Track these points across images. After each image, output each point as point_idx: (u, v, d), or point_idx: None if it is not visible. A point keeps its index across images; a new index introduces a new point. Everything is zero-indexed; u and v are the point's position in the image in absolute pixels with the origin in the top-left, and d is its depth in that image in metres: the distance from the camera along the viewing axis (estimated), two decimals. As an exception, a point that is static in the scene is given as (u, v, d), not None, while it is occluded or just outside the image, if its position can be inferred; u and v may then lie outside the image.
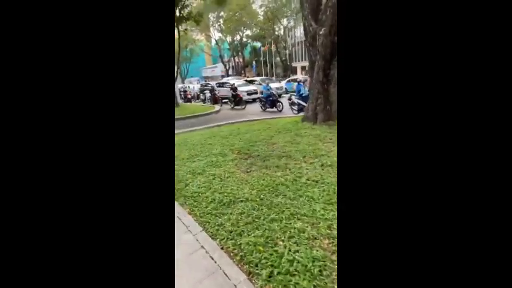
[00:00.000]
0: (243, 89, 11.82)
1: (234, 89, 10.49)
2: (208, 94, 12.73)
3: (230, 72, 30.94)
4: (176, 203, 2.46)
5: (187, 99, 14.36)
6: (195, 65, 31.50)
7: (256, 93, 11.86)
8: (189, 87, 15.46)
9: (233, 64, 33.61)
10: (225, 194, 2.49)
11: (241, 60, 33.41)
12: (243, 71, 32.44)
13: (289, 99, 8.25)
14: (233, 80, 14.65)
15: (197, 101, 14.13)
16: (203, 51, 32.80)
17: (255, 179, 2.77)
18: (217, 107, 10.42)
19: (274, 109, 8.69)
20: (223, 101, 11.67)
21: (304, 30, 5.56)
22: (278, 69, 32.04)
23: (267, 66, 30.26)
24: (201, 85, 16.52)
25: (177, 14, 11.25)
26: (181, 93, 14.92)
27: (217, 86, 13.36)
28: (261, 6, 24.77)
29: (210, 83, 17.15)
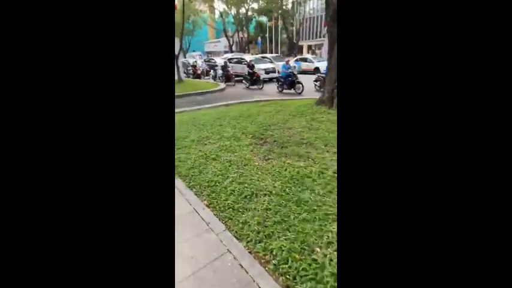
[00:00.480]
0: (261, 67, 10.51)
1: (250, 66, 9.47)
2: (220, 71, 11.50)
3: (234, 48, 29.59)
4: (191, 192, 2.22)
5: (196, 75, 13.31)
6: (197, 38, 29.99)
7: (274, 71, 10.74)
8: (196, 62, 14.28)
9: (237, 39, 32.07)
10: (245, 185, 2.24)
11: (245, 35, 31.83)
12: (247, 47, 31.06)
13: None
14: (247, 56, 13.65)
15: (206, 77, 12.99)
16: (206, 23, 31.10)
17: (275, 168, 2.52)
18: (222, 85, 9.87)
19: (292, 90, 7.92)
20: (237, 79, 10.61)
21: (326, 2, 5.01)
22: (283, 47, 30.69)
23: (272, 43, 28.90)
24: (204, 60, 15.58)
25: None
26: (190, 68, 13.85)
27: (230, 62, 12.10)
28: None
29: (213, 58, 16.21)
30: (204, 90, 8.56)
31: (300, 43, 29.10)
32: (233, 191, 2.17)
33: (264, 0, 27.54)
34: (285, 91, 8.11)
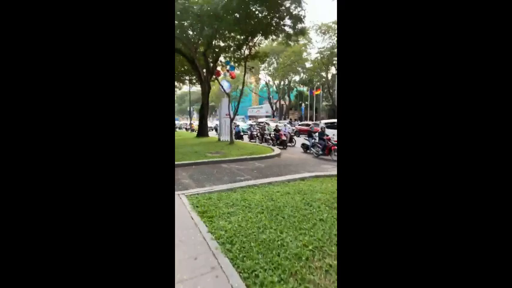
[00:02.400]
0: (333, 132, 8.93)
1: (322, 132, 7.94)
2: (273, 134, 10.69)
3: (275, 113, 30.60)
4: None
5: (251, 137, 13.04)
6: (242, 104, 32.03)
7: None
8: (252, 125, 14.22)
9: (278, 106, 33.51)
10: None
11: (286, 102, 33.24)
12: (287, 113, 31.95)
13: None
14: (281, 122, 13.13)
15: (252, 140, 12.57)
16: (252, 91, 33.57)
17: None
18: (276, 149, 8.88)
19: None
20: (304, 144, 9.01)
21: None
22: (322, 113, 30.85)
23: (312, 109, 29.34)
24: (256, 123, 15.53)
25: (247, 51, 10.86)
26: (251, 129, 13.52)
27: (298, 125, 11.39)
28: (317, 52, 24.73)
29: (264, 121, 16.12)
30: (260, 155, 7.53)
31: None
32: None
33: (306, 73, 29.34)
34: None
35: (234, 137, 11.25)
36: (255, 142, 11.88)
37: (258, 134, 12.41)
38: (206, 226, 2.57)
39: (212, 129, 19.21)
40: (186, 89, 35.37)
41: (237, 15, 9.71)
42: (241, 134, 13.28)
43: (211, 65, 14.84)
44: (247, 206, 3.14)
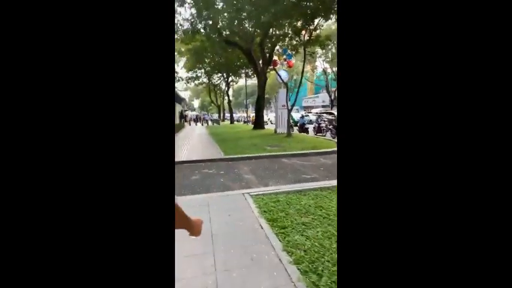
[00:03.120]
0: None
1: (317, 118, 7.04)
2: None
3: (334, 102, 28.34)
4: None
5: (319, 130, 10.98)
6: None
7: None
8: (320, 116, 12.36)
9: (336, 95, 30.92)
10: None
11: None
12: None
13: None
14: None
15: (318, 134, 10.83)
16: (308, 80, 31.88)
17: None
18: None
19: None
20: None
21: None
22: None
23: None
24: (317, 113, 14.20)
25: (306, 37, 9.93)
26: (318, 121, 11.58)
27: None
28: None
29: (332, 112, 14.71)
30: (325, 150, 6.71)
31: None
32: None
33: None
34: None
35: (298, 129, 10.48)
36: (324, 135, 10.28)
37: (327, 126, 10.46)
38: (280, 241, 2.10)
39: (267, 123, 18.57)
40: (241, 83, 36.13)
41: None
42: (306, 126, 11.96)
43: (268, 55, 14.38)
44: (326, 216, 2.54)
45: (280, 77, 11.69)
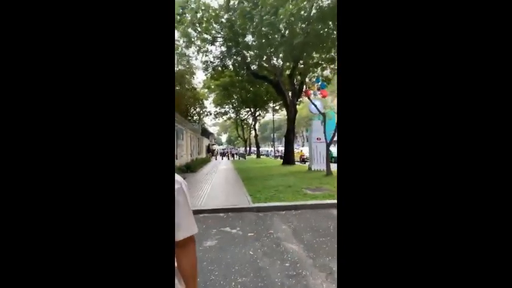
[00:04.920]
0: None
1: None
2: None
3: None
4: None
5: None
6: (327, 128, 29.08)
7: None
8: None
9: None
10: None
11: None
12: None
13: None
14: None
15: None
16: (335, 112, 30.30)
17: None
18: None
19: None
20: None
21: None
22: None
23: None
24: None
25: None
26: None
27: None
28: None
29: None
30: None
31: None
32: None
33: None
34: None
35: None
36: None
37: None
38: None
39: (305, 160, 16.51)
40: (268, 117, 35.77)
41: (330, 23, 7.98)
42: None
43: (297, 87, 13.41)
44: None
45: (315, 106, 10.32)
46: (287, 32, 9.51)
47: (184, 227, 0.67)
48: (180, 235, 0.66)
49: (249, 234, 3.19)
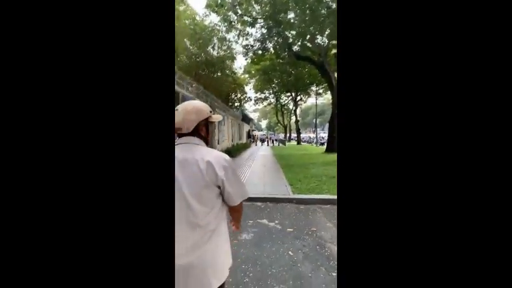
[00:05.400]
0: None
1: None
2: None
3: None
4: None
5: None
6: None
7: None
8: None
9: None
10: None
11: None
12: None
13: None
14: None
15: None
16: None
17: None
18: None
19: None
20: None
21: None
22: None
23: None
24: None
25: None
26: None
27: None
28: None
29: None
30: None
31: None
32: None
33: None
34: None
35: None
36: None
37: None
38: None
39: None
40: (309, 102, 34.01)
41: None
42: None
43: (345, 67, 12.03)
44: None
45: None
46: (334, 4, 8.39)
47: (237, 196, 0.83)
48: (236, 201, 0.83)
49: (288, 229, 2.86)
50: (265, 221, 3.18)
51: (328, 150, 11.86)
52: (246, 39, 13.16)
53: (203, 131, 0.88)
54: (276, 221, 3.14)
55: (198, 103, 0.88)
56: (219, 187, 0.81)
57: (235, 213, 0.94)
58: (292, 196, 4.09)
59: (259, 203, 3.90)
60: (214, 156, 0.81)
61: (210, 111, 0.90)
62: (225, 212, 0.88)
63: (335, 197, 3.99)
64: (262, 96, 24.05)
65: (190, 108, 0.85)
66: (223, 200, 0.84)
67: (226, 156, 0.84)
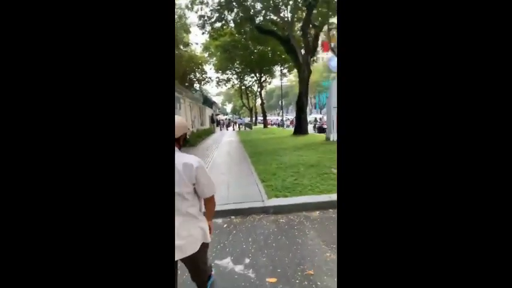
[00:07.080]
0: None
1: None
2: None
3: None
4: None
5: None
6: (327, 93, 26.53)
7: None
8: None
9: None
10: None
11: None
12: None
13: None
14: None
15: None
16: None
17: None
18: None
19: None
20: None
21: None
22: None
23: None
24: None
25: None
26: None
27: None
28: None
29: None
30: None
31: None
32: None
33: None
34: None
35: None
36: None
37: None
38: None
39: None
40: (273, 84, 32.97)
41: None
42: None
43: (311, 43, 10.98)
44: None
45: (330, 65, 8.18)
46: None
47: (208, 190, 1.11)
48: (206, 195, 1.12)
49: (269, 280, 1.65)
50: (227, 261, 1.90)
51: (296, 132, 11.04)
52: (201, 8, 11.05)
53: (181, 141, 1.14)
54: (246, 260, 1.89)
55: (180, 121, 1.10)
56: (193, 184, 1.07)
57: (208, 204, 1.17)
58: (267, 203, 2.88)
59: (220, 221, 2.61)
60: (189, 159, 1.06)
61: (188, 129, 1.21)
62: (201, 203, 1.16)
63: (322, 198, 2.93)
64: (225, 77, 22.05)
65: (176, 123, 1.06)
66: (197, 194, 1.11)
67: (198, 159, 1.08)
